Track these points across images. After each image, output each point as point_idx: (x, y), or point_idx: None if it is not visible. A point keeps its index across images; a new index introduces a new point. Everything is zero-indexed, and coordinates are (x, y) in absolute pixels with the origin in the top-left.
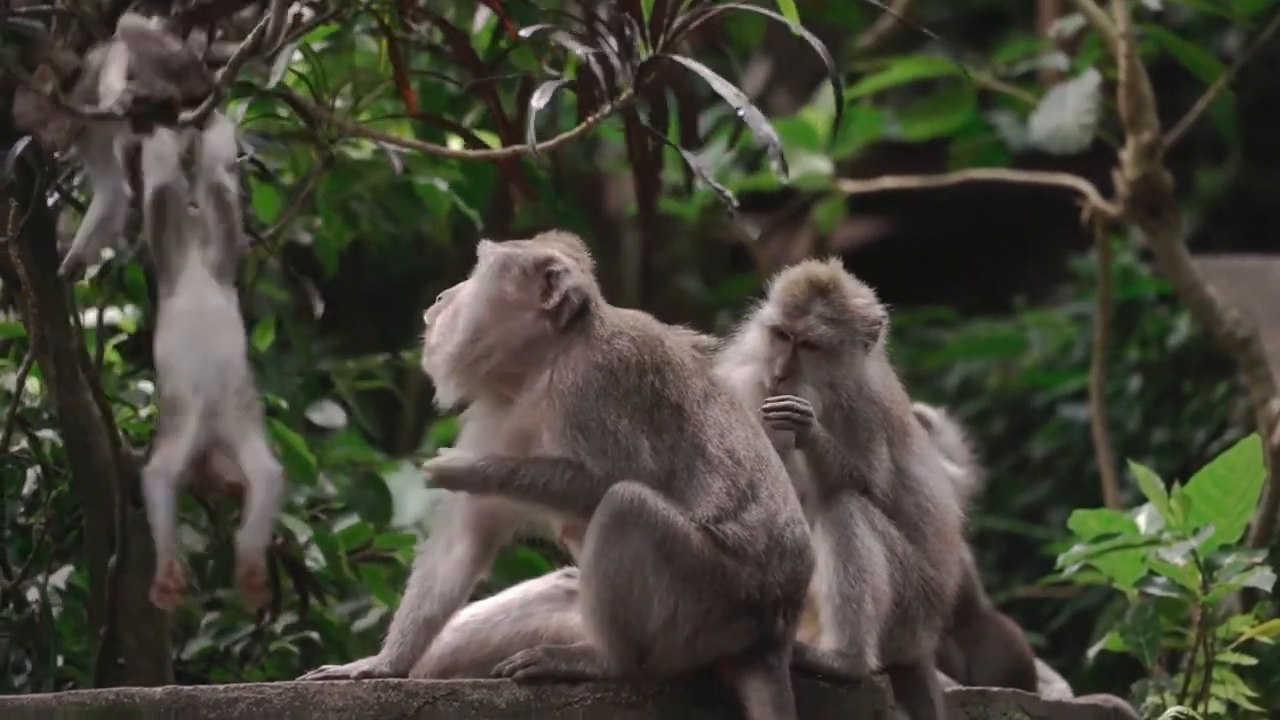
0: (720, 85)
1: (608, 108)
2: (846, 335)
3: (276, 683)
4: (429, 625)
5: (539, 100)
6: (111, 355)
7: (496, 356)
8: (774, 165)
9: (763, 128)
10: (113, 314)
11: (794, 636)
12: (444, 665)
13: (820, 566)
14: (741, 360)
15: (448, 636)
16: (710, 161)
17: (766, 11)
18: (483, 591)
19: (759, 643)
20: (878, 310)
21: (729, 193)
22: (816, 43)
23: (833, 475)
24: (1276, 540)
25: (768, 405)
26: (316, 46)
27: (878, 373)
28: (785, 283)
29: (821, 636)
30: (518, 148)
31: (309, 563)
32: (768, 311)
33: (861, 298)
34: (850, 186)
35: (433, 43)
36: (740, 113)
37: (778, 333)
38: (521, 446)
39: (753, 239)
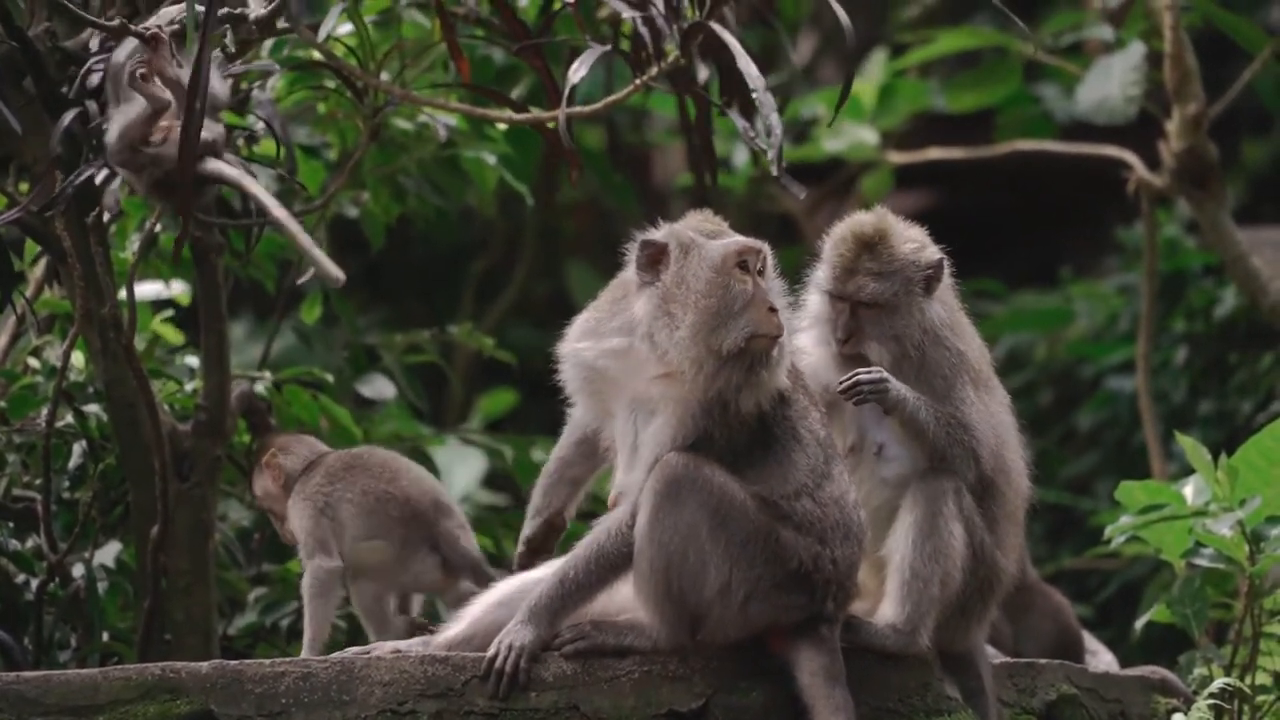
0: (744, 62)
1: (655, 70)
2: (900, 286)
3: (323, 657)
4: None
5: (576, 72)
6: (158, 328)
7: None
8: (770, 154)
9: (771, 115)
10: (157, 287)
11: (843, 617)
12: (491, 639)
13: (899, 535)
14: (809, 324)
15: (494, 611)
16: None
17: None
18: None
19: (810, 618)
20: (930, 253)
21: (774, 153)
22: (841, 13)
23: (931, 431)
24: None
25: (840, 387)
26: (368, 20)
27: (943, 316)
28: (833, 242)
29: (882, 605)
30: (556, 112)
31: None
32: (820, 275)
33: (911, 243)
34: (897, 157)
35: (480, 15)
36: (755, 95)
37: (832, 296)
38: None
39: (799, 198)
